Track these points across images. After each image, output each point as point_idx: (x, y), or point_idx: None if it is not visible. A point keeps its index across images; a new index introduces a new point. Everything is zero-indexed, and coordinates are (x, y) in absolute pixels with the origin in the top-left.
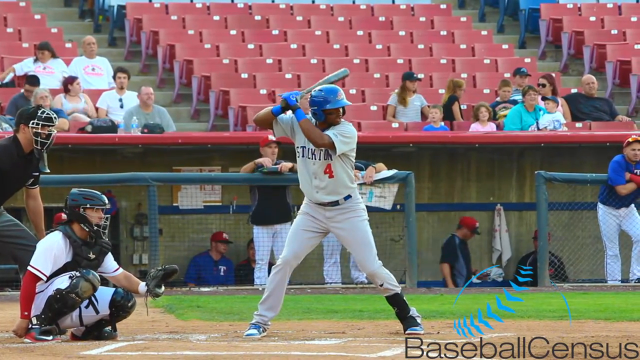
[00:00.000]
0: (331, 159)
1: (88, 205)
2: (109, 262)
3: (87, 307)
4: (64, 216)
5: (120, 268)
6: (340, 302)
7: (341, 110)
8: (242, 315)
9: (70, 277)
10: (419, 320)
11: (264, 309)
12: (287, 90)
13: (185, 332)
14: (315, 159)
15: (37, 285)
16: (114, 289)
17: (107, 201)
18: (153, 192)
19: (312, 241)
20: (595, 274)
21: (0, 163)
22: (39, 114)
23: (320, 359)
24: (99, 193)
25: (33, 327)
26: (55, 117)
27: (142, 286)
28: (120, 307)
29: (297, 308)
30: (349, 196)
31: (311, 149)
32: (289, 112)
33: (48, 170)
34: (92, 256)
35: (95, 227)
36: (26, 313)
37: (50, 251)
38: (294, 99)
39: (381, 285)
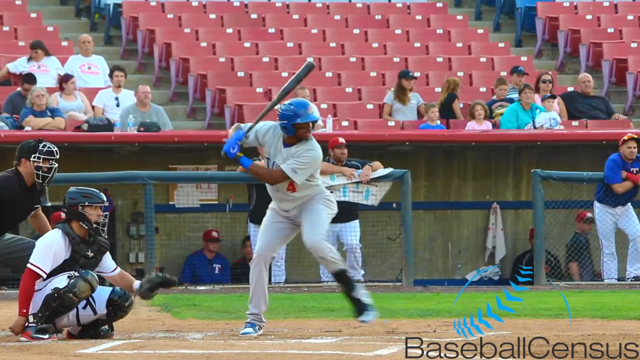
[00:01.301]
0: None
1: (87, 203)
2: (107, 262)
3: (84, 307)
4: (63, 215)
5: (119, 268)
6: (337, 300)
7: (311, 124)
8: (239, 314)
9: (68, 277)
10: (369, 301)
11: (253, 306)
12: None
13: (182, 331)
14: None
15: (36, 282)
16: (111, 288)
17: (105, 198)
18: (149, 191)
19: (285, 232)
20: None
21: (2, 195)
22: (40, 148)
23: (316, 357)
24: (97, 191)
25: (30, 325)
26: (56, 151)
27: (136, 284)
28: (118, 306)
29: (294, 306)
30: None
31: (275, 163)
32: (249, 136)
33: (49, 204)
34: (90, 254)
35: (95, 225)
36: (24, 310)
37: (49, 248)
38: (234, 151)
39: (322, 259)
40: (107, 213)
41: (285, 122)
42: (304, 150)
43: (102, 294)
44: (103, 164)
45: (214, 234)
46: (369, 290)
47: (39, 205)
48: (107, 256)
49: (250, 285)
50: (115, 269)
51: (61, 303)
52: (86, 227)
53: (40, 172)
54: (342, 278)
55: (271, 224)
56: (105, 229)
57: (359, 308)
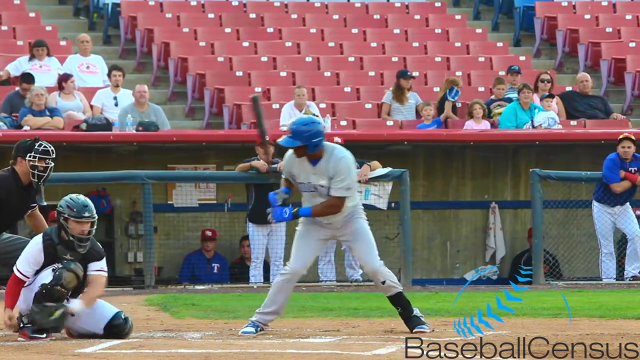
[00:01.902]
0: None
1: (67, 215)
2: (94, 264)
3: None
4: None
5: (102, 272)
6: (335, 300)
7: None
8: (237, 313)
9: (53, 270)
10: (423, 319)
11: (267, 312)
12: (281, 87)
13: (180, 330)
14: (317, 190)
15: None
16: (116, 310)
17: (89, 215)
18: (148, 190)
19: (321, 248)
20: (589, 271)
21: None
22: (35, 147)
23: (315, 357)
24: (88, 206)
25: (26, 325)
26: (52, 150)
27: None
28: (117, 329)
29: (292, 306)
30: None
31: (311, 183)
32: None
33: (45, 203)
34: (68, 257)
35: (72, 238)
36: (10, 307)
37: (29, 253)
38: (287, 216)
39: (383, 283)
40: (92, 230)
41: (320, 138)
42: (336, 163)
43: (106, 312)
44: (102, 164)
45: (208, 232)
46: (364, 289)
47: (35, 205)
48: (98, 263)
49: (272, 290)
50: (97, 270)
51: (51, 297)
52: (67, 238)
53: (35, 172)
54: (401, 301)
55: (310, 242)
56: (86, 245)
57: (416, 322)
